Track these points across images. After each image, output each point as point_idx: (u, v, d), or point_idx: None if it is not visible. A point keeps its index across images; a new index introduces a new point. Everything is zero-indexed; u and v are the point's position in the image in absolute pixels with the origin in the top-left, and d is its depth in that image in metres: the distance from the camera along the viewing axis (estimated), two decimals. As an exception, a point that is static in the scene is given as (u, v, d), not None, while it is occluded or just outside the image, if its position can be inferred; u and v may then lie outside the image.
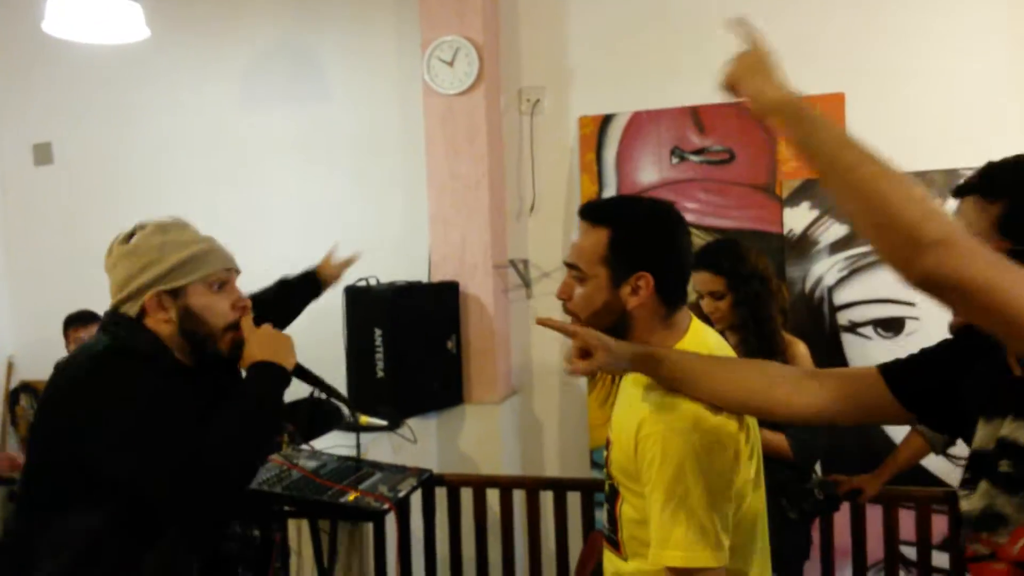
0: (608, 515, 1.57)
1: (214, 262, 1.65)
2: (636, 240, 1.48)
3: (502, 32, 3.79)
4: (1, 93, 4.55)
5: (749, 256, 2.47)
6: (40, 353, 3.94)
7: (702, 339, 1.54)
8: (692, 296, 3.38)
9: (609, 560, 1.59)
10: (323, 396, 3.95)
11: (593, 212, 1.54)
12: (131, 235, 1.66)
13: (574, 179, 3.78)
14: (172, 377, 1.59)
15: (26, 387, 4.30)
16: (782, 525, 2.39)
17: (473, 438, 3.61)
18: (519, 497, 3.07)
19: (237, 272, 1.73)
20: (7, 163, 4.55)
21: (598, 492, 3.02)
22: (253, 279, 4.18)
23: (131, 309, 1.62)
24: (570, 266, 1.54)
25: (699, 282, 2.46)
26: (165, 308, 1.60)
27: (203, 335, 1.63)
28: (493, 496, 3.06)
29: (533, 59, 3.84)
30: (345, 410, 3.65)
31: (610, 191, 3.70)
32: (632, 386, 1.53)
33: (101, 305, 4.05)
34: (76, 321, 3.81)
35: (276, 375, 1.63)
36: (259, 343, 1.64)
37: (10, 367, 4.43)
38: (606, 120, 3.72)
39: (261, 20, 4.17)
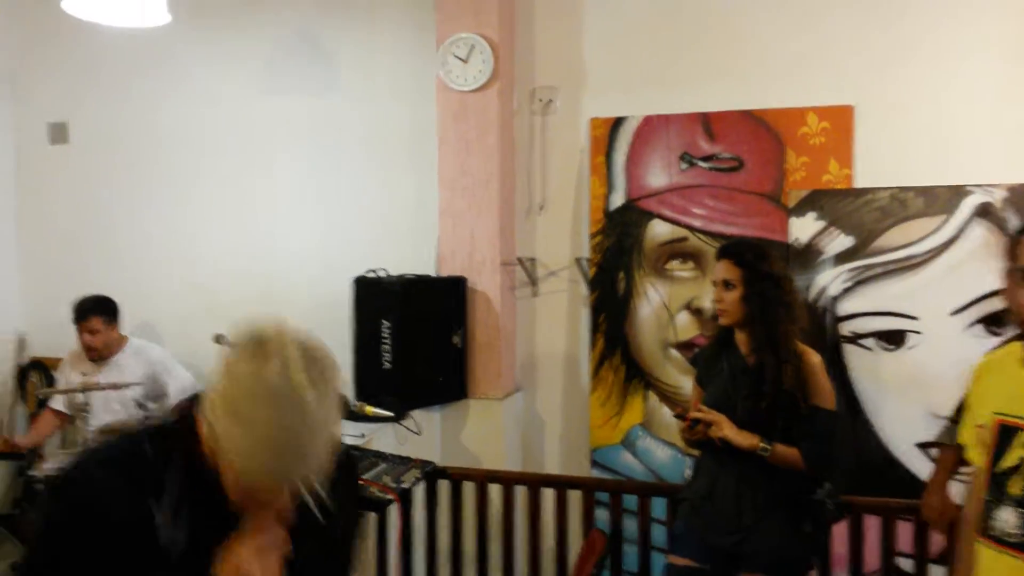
0: None
1: (262, 485, 1.26)
2: None
3: (517, 30, 3.82)
4: (20, 71, 4.56)
5: (772, 259, 2.51)
6: (50, 330, 3.98)
7: None
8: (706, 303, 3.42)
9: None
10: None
11: None
12: (261, 350, 1.24)
13: (583, 180, 3.82)
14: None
15: (36, 363, 4.32)
16: (792, 535, 2.44)
17: (476, 433, 3.65)
18: (520, 493, 3.12)
19: (300, 478, 1.27)
20: (23, 141, 4.57)
21: (599, 491, 3.08)
22: (267, 266, 4.25)
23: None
24: None
25: (716, 270, 2.51)
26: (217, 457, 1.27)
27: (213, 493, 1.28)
28: (495, 491, 3.11)
29: (547, 59, 3.87)
30: (350, 398, 3.70)
31: (619, 194, 3.73)
32: None
33: (109, 286, 4.10)
34: (92, 311, 3.78)
35: None
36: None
37: (21, 344, 4.46)
38: (617, 123, 3.75)
39: (279, 10, 4.19)
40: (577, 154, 3.84)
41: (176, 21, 3.19)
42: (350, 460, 1.61)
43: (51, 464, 3.76)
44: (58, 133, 4.52)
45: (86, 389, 3.41)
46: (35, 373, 4.29)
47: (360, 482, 2.83)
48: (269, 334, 1.25)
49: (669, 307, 3.67)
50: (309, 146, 4.19)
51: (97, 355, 3.78)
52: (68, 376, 3.83)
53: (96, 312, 3.76)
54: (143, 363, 3.82)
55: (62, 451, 4.04)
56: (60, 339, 3.80)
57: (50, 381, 4.26)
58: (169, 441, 1.31)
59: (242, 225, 4.30)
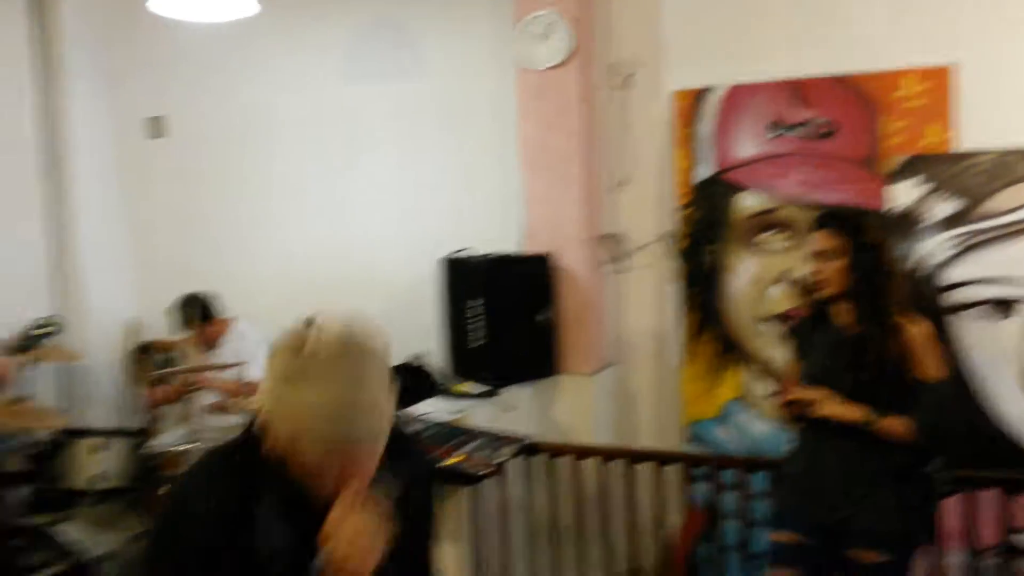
0: None
1: (310, 451, 1.31)
2: None
3: (596, 5, 3.77)
4: (117, 68, 4.72)
5: (871, 227, 2.44)
6: (158, 316, 4.15)
7: None
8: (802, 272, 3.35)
9: None
10: (417, 362, 4.06)
11: None
12: (302, 331, 1.35)
13: (668, 153, 3.77)
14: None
15: (148, 346, 4.51)
16: (902, 510, 2.38)
17: (567, 409, 3.66)
18: (615, 468, 3.12)
19: (361, 445, 1.33)
20: (123, 136, 4.74)
21: (697, 466, 3.06)
22: (355, 249, 4.34)
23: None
24: None
25: (813, 241, 2.45)
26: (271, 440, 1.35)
27: (299, 488, 1.35)
28: (590, 466, 3.11)
29: (627, 32, 3.81)
30: (442, 376, 3.76)
31: (706, 166, 3.68)
32: None
33: (210, 273, 4.26)
34: (198, 317, 3.91)
35: None
36: (331, 558, 1.30)
37: (131, 329, 4.66)
38: (702, 94, 3.68)
39: (360, -3, 4.25)
40: (660, 127, 3.79)
41: (263, 12, 3.26)
42: (409, 438, 1.63)
43: (165, 440, 3.95)
44: (155, 127, 4.68)
45: (195, 370, 3.57)
46: (147, 355, 4.48)
47: (454, 458, 2.87)
48: (310, 317, 1.35)
49: (761, 279, 3.61)
50: (393, 130, 4.25)
51: (208, 348, 3.97)
52: (181, 357, 4.03)
53: (193, 321, 3.92)
54: (246, 345, 3.97)
55: (175, 429, 4.24)
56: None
57: (162, 363, 4.47)
58: (242, 454, 1.38)
59: (330, 210, 4.39)
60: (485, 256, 3.59)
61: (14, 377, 3.22)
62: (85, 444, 3.67)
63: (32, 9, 4.48)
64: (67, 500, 3.68)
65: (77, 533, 3.42)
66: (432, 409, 3.34)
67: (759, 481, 2.90)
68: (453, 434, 3.09)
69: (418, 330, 3.95)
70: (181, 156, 4.66)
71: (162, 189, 4.72)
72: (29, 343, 3.02)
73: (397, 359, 4.15)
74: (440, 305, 3.63)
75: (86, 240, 4.62)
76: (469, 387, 3.44)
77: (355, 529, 1.30)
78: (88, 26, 4.63)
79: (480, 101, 4.06)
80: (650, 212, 3.83)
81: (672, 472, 3.02)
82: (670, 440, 3.74)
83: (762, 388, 3.56)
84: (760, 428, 3.60)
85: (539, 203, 3.73)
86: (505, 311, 3.51)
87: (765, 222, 3.59)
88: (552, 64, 3.62)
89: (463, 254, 3.62)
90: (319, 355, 1.31)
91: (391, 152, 4.27)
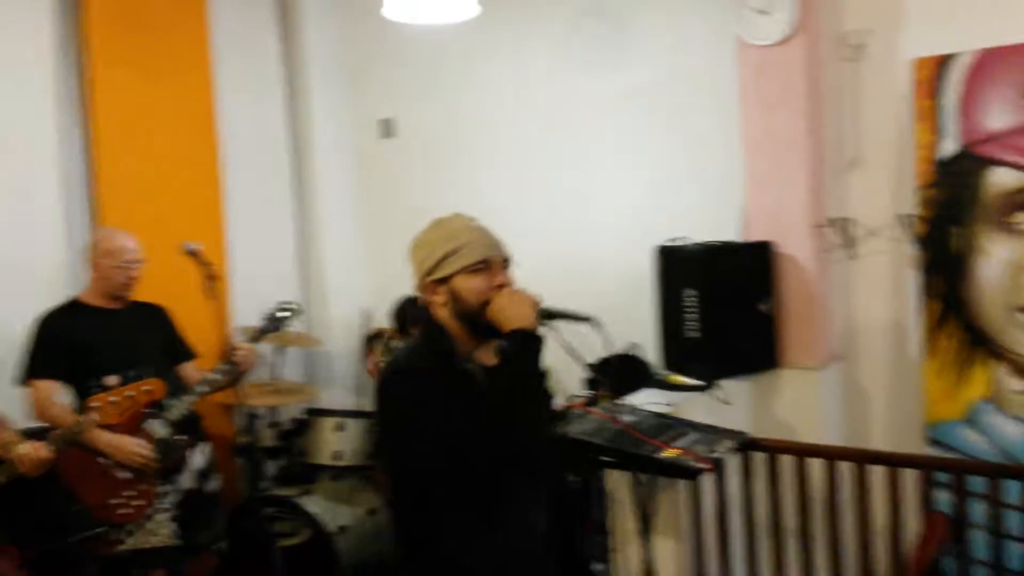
0: None
1: (471, 254, 1.86)
2: None
3: (823, -28, 3.54)
4: (352, 73, 5.08)
5: None
6: (389, 305, 4.44)
7: None
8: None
9: None
10: (631, 352, 4.05)
11: None
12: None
13: (905, 129, 3.46)
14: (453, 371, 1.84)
15: (378, 335, 4.84)
16: None
17: (790, 404, 3.48)
18: (844, 470, 2.92)
19: (504, 259, 1.91)
20: (359, 137, 5.10)
21: (938, 471, 2.79)
22: (572, 241, 4.37)
23: (422, 294, 1.92)
24: None
25: None
26: (438, 293, 1.88)
27: (469, 312, 1.85)
28: (814, 466, 2.94)
29: (857, -1, 3.55)
30: (656, 367, 3.70)
31: (951, 141, 3.34)
32: None
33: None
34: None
35: (522, 343, 1.80)
36: (501, 311, 1.82)
37: (365, 317, 5.02)
38: (945, 61, 3.34)
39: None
40: (897, 101, 3.48)
41: (483, 11, 3.36)
42: None
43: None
44: (386, 127, 4.97)
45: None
46: (377, 343, 4.81)
47: (670, 451, 2.81)
48: None
49: (1018, 265, 3.22)
50: (609, 119, 4.23)
51: None
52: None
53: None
54: None
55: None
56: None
57: (391, 349, 4.78)
58: (427, 332, 1.91)
59: (550, 203, 4.45)
60: (701, 244, 3.49)
61: (260, 361, 3.57)
62: (327, 423, 4.03)
63: (279, 17, 4.92)
64: (310, 474, 4.06)
65: (317, 506, 3.75)
66: (647, 400, 3.29)
67: (1013, 490, 2.60)
68: (669, 426, 3.02)
69: (634, 320, 3.91)
70: (409, 154, 4.91)
71: (392, 186, 5.01)
72: (272, 325, 3.33)
73: (613, 348, 4.13)
74: (655, 295, 3.58)
75: (328, 234, 5.03)
76: (685, 379, 3.35)
77: (511, 291, 1.85)
78: (327, 31, 5.01)
79: (698, 83, 3.95)
80: (885, 193, 3.54)
81: (910, 477, 2.77)
82: (908, 442, 3.44)
83: (1017, 386, 3.19)
84: (1014, 431, 3.22)
85: (761, 187, 3.57)
86: (722, 301, 3.40)
87: (1022, 201, 3.21)
88: (776, 39, 3.45)
89: (678, 243, 3.54)
90: (439, 217, 1.94)
91: (608, 141, 4.25)
